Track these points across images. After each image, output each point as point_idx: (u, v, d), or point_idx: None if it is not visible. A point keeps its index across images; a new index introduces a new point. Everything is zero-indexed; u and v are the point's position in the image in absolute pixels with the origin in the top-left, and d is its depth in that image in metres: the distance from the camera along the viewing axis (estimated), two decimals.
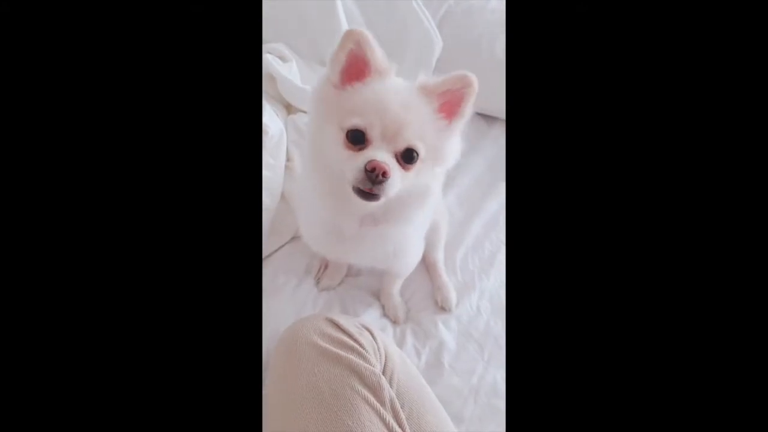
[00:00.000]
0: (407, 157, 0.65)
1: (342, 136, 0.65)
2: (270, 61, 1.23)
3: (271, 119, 1.13)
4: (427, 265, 1.12)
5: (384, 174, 0.62)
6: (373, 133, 0.64)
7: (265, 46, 1.31)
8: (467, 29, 1.41)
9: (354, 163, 0.63)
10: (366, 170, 0.62)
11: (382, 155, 0.63)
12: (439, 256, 1.11)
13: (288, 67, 1.25)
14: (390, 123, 0.64)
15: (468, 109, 0.69)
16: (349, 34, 0.66)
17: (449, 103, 0.69)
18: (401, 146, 0.65)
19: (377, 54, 0.67)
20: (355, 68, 0.67)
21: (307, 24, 1.33)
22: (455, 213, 1.25)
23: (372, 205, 0.67)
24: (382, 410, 0.68)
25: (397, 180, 0.64)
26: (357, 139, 0.65)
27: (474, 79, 0.67)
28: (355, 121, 0.64)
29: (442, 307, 1.07)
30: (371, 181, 0.62)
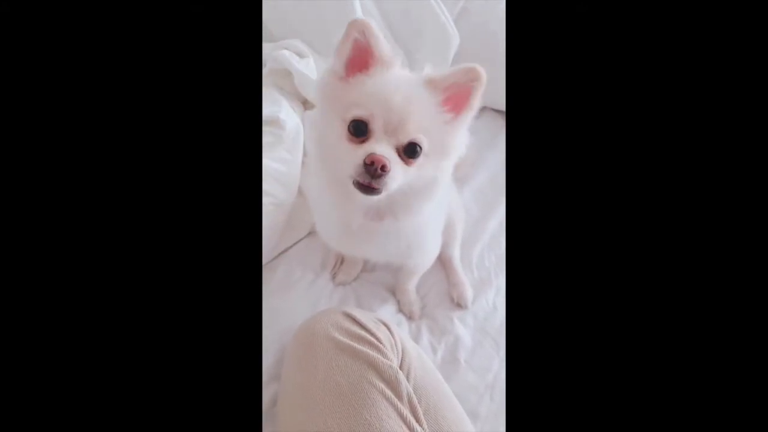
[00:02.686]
0: (410, 151, 0.64)
1: (344, 128, 0.64)
2: (287, 57, 1.23)
3: (288, 115, 1.13)
4: (443, 261, 1.11)
5: (383, 168, 0.60)
6: (375, 126, 0.63)
7: (281, 43, 1.31)
8: (484, 24, 1.40)
9: (355, 155, 0.62)
10: (365, 164, 0.61)
11: (383, 148, 0.62)
12: (455, 253, 1.11)
13: (305, 63, 1.25)
14: (392, 115, 0.62)
15: (476, 102, 0.67)
16: (353, 24, 0.64)
17: (456, 96, 0.67)
18: (404, 140, 0.63)
19: (382, 44, 0.66)
20: (359, 59, 0.66)
21: (324, 20, 1.32)
22: (471, 210, 1.24)
23: (373, 198, 0.66)
24: (399, 405, 0.68)
25: (398, 174, 0.63)
26: (359, 130, 0.64)
27: (482, 71, 0.65)
28: (358, 113, 0.63)
29: (459, 304, 1.07)
30: (371, 175, 0.61)
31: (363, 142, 0.64)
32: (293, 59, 1.23)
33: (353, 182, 0.63)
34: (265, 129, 1.10)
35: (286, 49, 1.27)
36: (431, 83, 0.66)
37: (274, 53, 1.25)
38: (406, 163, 0.64)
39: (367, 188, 0.63)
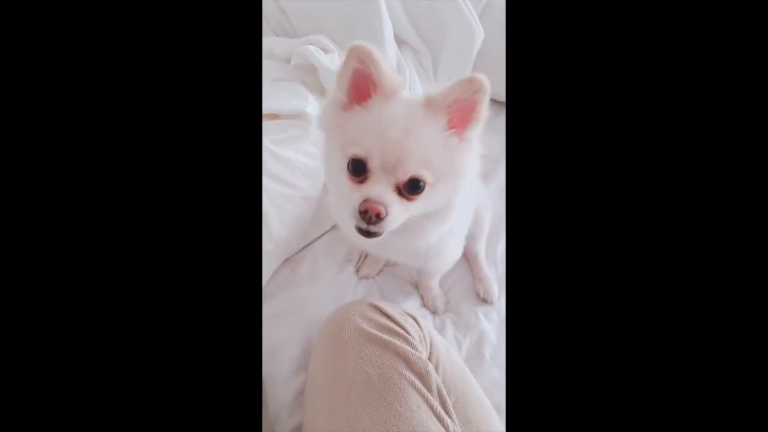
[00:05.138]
0: (412, 187, 0.61)
1: (345, 165, 0.62)
2: (312, 51, 1.24)
3: (314, 108, 1.14)
4: (468, 256, 1.11)
5: (378, 215, 0.59)
6: (373, 164, 0.60)
7: (307, 38, 1.32)
8: None
9: (351, 198, 0.61)
10: (360, 211, 0.59)
11: (379, 190, 0.60)
12: (481, 248, 1.11)
13: (330, 58, 1.25)
14: (389, 154, 0.59)
15: (483, 114, 0.62)
16: (352, 51, 0.61)
17: (461, 112, 0.62)
18: (403, 177, 0.60)
19: (383, 72, 0.61)
20: (362, 87, 0.63)
21: (349, 16, 1.33)
22: (496, 205, 1.23)
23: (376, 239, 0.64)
24: (429, 396, 0.68)
25: (399, 215, 0.61)
26: (358, 170, 0.61)
27: (485, 80, 0.59)
28: (355, 151, 0.61)
29: (484, 299, 1.07)
30: (366, 222, 0.60)
31: (362, 181, 0.62)
32: (318, 54, 1.24)
33: (355, 227, 0.63)
34: (291, 123, 1.11)
35: (312, 44, 1.28)
36: (432, 104, 0.62)
37: (299, 48, 1.26)
38: (408, 199, 0.62)
39: (367, 233, 0.62)
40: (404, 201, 0.62)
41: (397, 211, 0.61)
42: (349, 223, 0.66)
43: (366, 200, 0.59)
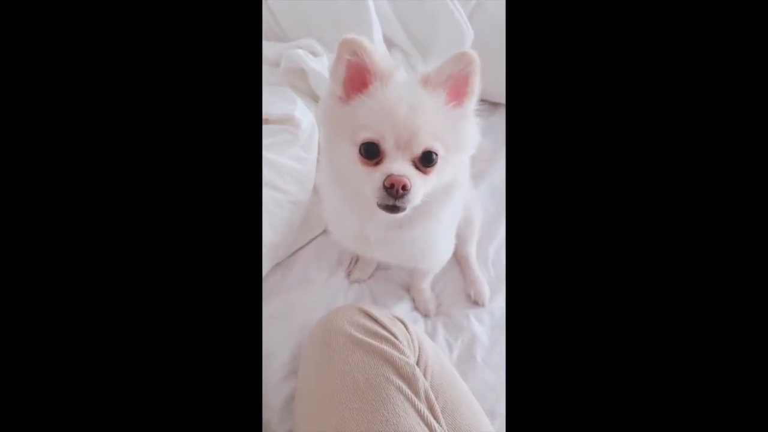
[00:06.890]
0: (426, 160, 0.63)
1: (355, 152, 0.64)
2: (301, 55, 1.23)
3: (303, 113, 1.14)
4: (458, 258, 1.10)
5: (404, 188, 0.60)
6: (386, 145, 0.62)
7: (296, 42, 1.32)
8: (498, 19, 1.38)
9: (372, 179, 0.62)
10: (385, 187, 0.61)
11: (399, 166, 0.61)
12: (472, 250, 1.10)
13: (319, 61, 1.25)
14: (402, 131, 0.61)
15: (476, 86, 0.66)
16: (344, 44, 0.63)
17: (456, 86, 0.65)
18: (418, 151, 0.63)
19: (377, 59, 0.65)
20: (358, 78, 0.65)
21: (338, 18, 1.33)
22: (487, 207, 1.23)
23: (398, 215, 0.65)
24: (416, 401, 0.67)
25: (419, 188, 0.63)
26: (371, 153, 0.63)
27: (474, 54, 0.64)
28: (366, 135, 0.62)
29: (475, 301, 1.06)
30: (393, 197, 0.61)
31: (377, 163, 0.63)
32: (308, 58, 1.24)
33: (378, 205, 0.64)
34: (280, 127, 1.10)
35: (301, 48, 1.27)
36: (429, 81, 0.65)
37: (288, 52, 1.26)
38: (425, 172, 0.64)
39: (393, 207, 0.63)
40: (422, 175, 0.63)
41: (418, 184, 0.62)
42: (365, 207, 0.68)
43: (389, 175, 0.60)
